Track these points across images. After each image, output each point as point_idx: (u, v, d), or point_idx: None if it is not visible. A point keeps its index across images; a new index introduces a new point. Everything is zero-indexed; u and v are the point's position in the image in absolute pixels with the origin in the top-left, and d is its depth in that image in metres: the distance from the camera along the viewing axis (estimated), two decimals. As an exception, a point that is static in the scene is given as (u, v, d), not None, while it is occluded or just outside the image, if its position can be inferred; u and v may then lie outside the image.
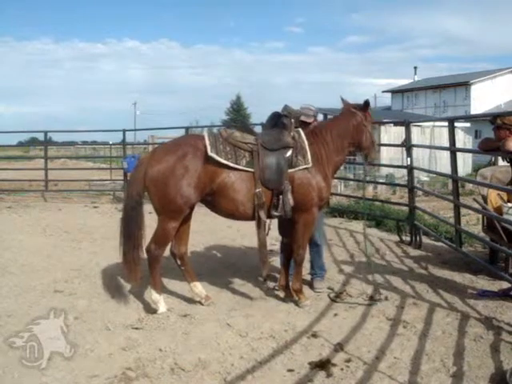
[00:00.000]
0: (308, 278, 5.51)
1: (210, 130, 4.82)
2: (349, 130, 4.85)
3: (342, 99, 5.07)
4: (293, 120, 4.80)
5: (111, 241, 7.50)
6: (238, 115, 52.34)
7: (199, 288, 4.90)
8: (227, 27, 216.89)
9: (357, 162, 11.08)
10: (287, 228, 4.92)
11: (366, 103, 4.95)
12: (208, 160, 4.42)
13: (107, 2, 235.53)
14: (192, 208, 4.68)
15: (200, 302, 4.83)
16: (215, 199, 4.57)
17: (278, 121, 4.80)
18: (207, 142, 4.46)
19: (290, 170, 4.58)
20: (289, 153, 4.61)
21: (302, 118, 5.16)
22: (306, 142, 4.70)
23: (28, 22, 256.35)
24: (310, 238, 5.09)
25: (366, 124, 4.89)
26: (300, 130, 4.85)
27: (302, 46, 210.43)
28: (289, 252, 4.98)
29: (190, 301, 4.93)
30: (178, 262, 4.91)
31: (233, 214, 4.69)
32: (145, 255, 4.63)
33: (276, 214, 4.60)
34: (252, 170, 4.51)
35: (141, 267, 4.60)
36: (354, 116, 4.88)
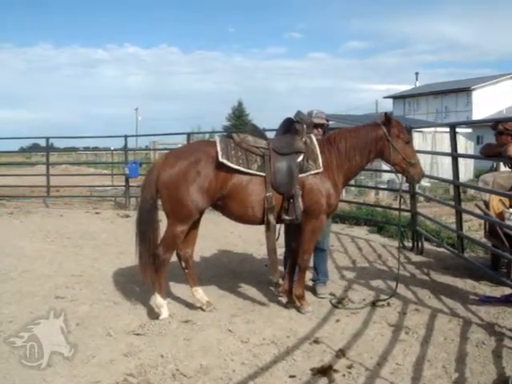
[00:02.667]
0: (310, 283, 5.50)
1: (222, 136, 4.82)
2: (366, 142, 4.77)
3: (380, 114, 4.96)
4: (305, 126, 4.81)
5: (113, 247, 7.55)
6: (239, 121, 52.36)
7: (201, 293, 4.90)
8: (227, 33, 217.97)
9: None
10: (294, 234, 4.94)
11: (387, 117, 4.79)
12: (220, 165, 4.46)
13: (107, 8, 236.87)
14: (202, 212, 4.71)
15: (201, 308, 4.83)
16: (226, 203, 4.60)
17: (290, 127, 4.83)
18: (218, 148, 4.49)
19: (300, 175, 4.59)
20: (300, 158, 4.63)
21: (316, 121, 5.24)
22: (317, 148, 4.71)
23: (27, 27, 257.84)
24: (320, 244, 5.17)
25: (390, 139, 4.75)
26: (312, 135, 4.87)
27: (302, 51, 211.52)
28: (294, 258, 4.98)
29: (192, 306, 4.93)
30: (183, 264, 4.92)
31: (243, 218, 4.72)
32: None
33: (287, 218, 4.61)
34: (263, 174, 4.54)
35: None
36: (376, 129, 4.80)
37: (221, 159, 4.44)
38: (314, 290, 5.39)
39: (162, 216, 4.67)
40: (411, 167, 4.83)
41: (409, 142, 4.95)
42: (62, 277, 5.99)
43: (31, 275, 6.07)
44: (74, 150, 29.85)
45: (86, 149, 33.77)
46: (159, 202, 4.66)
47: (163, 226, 4.66)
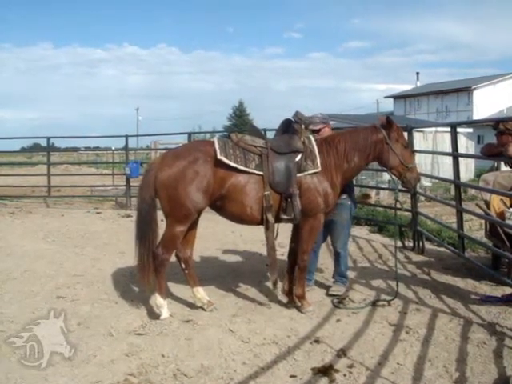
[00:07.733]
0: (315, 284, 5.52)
1: (220, 136, 4.82)
2: (365, 145, 4.78)
3: (379, 117, 5.00)
4: (303, 126, 4.81)
5: (114, 246, 7.55)
6: (240, 121, 52.43)
7: (201, 293, 4.91)
8: (226, 33, 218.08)
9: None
10: (294, 233, 4.95)
11: (388, 120, 4.80)
12: (218, 165, 4.46)
13: (105, 8, 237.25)
14: (200, 212, 4.71)
15: (202, 308, 4.83)
16: (224, 203, 4.59)
17: (289, 127, 4.83)
18: (217, 147, 4.50)
19: (298, 175, 4.59)
20: (298, 157, 4.64)
21: (310, 127, 5.20)
22: (315, 148, 4.72)
23: (27, 27, 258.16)
24: (335, 246, 5.34)
25: (389, 142, 4.76)
26: (310, 135, 4.88)
27: (301, 51, 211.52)
28: (293, 258, 4.99)
29: (193, 306, 4.93)
30: (183, 265, 4.92)
31: (241, 218, 4.71)
32: None
33: (285, 217, 4.62)
34: (261, 172, 4.54)
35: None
36: (375, 132, 4.80)
37: (219, 156, 4.44)
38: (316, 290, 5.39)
39: (163, 216, 4.67)
40: (408, 172, 4.85)
41: (407, 146, 4.96)
42: (63, 276, 5.99)
43: (32, 275, 6.07)
44: (74, 149, 29.90)
45: (87, 149, 33.81)
46: (158, 202, 4.66)
47: (164, 226, 4.66)
